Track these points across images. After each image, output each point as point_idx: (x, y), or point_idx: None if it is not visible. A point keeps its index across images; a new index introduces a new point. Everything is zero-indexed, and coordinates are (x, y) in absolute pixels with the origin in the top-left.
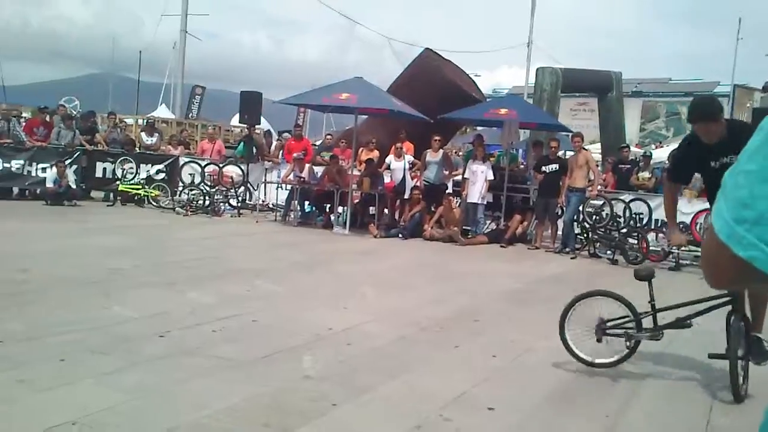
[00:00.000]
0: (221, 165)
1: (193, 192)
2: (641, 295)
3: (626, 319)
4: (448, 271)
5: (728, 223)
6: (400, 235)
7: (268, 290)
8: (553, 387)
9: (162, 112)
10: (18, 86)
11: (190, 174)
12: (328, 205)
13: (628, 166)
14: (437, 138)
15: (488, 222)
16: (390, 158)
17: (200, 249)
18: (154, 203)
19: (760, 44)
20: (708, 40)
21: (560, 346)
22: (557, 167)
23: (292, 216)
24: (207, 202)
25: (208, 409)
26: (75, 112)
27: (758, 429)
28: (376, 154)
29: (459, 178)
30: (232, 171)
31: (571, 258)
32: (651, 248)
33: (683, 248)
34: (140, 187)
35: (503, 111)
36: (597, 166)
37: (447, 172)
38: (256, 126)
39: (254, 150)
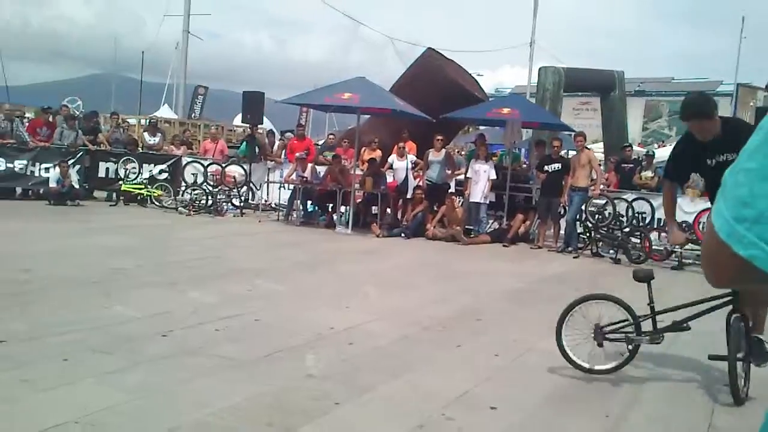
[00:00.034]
0: (224, 165)
1: (196, 192)
2: (643, 296)
3: (625, 322)
4: (451, 271)
5: (728, 221)
6: (402, 235)
7: (271, 290)
8: (554, 387)
9: (165, 112)
10: (21, 86)
11: (193, 174)
12: (331, 205)
13: (631, 165)
14: (440, 137)
15: (491, 221)
16: (392, 158)
17: (203, 249)
18: (157, 203)
19: (764, 43)
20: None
21: None
22: (560, 166)
23: (295, 216)
24: (210, 202)
25: (210, 408)
26: (78, 113)
27: (758, 431)
28: (378, 153)
29: (461, 177)
30: (235, 171)
31: (574, 257)
32: (654, 247)
33: (686, 247)
34: (143, 187)
35: (506, 110)
36: (599, 165)
37: (449, 172)
38: (259, 126)
39: (257, 150)
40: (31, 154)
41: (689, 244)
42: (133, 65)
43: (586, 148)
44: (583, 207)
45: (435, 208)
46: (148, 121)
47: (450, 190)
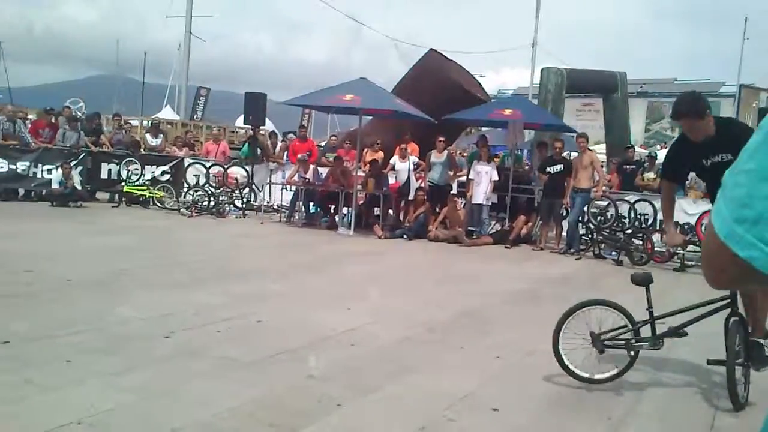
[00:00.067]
0: (226, 166)
1: (198, 193)
2: (644, 298)
3: (624, 329)
4: (453, 272)
5: (727, 222)
6: (404, 236)
7: (273, 291)
8: (557, 389)
9: (167, 113)
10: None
11: (195, 175)
12: (333, 206)
13: (633, 166)
14: (442, 139)
15: (493, 223)
16: (394, 159)
17: (205, 250)
18: (159, 204)
19: (767, 44)
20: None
21: None
22: (562, 168)
23: (297, 217)
24: (212, 204)
25: (213, 409)
26: (80, 114)
27: None
28: (380, 155)
29: (464, 178)
30: (237, 172)
31: (576, 259)
32: (656, 249)
33: (688, 249)
34: (145, 188)
35: (508, 111)
36: (602, 166)
37: (452, 173)
38: (261, 127)
39: (259, 151)
40: (33, 155)
41: (690, 245)
42: (136, 67)
43: (589, 149)
44: (585, 208)
45: (437, 210)
46: (150, 122)
47: (452, 192)
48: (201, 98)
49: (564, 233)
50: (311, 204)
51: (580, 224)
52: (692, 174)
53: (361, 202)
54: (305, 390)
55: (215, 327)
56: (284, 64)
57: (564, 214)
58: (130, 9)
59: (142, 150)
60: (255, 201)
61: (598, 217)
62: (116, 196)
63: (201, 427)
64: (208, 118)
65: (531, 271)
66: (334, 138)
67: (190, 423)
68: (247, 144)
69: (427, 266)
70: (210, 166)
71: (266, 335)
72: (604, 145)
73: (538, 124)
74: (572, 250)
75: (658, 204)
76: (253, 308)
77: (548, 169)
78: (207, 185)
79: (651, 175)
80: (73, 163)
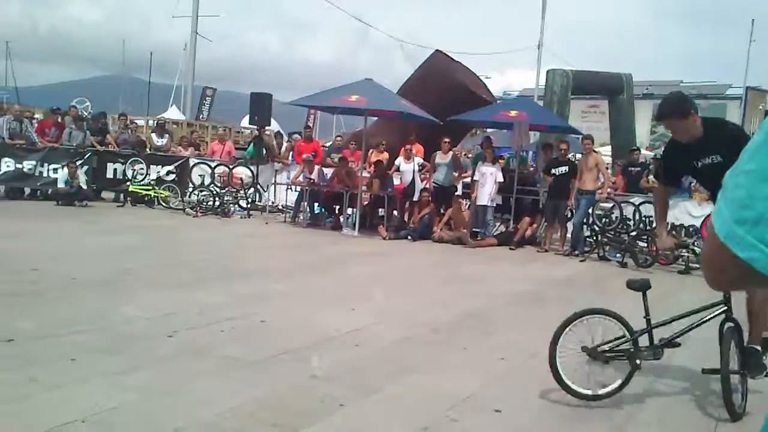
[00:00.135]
0: (231, 166)
1: (203, 193)
2: (650, 302)
3: (622, 339)
4: (457, 273)
5: (728, 223)
6: (409, 237)
7: (277, 291)
8: (560, 391)
9: (172, 113)
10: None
11: (200, 175)
12: (338, 207)
13: (638, 168)
14: (447, 140)
15: (497, 224)
16: (399, 160)
17: (209, 250)
18: (164, 204)
19: None
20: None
21: None
22: (567, 170)
23: (302, 217)
24: (217, 204)
25: (216, 408)
26: (86, 114)
27: None
28: (385, 155)
29: (468, 180)
30: (242, 172)
31: (581, 261)
32: (660, 251)
33: (692, 251)
34: (150, 188)
35: (513, 113)
36: (607, 168)
37: (456, 174)
38: (267, 127)
39: (264, 151)
40: (39, 154)
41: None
42: (142, 66)
43: (594, 151)
44: (590, 210)
45: (442, 211)
46: (156, 122)
47: (457, 193)
48: (207, 98)
49: (568, 235)
50: (316, 204)
51: (585, 226)
52: None
53: (366, 202)
54: (308, 390)
55: (219, 327)
56: (290, 65)
57: (569, 215)
58: (135, 9)
59: (147, 150)
60: (260, 201)
61: (603, 219)
62: (121, 195)
63: (204, 427)
64: (213, 118)
65: (535, 272)
66: (339, 139)
67: (192, 422)
68: (252, 144)
69: (432, 267)
70: (215, 166)
71: (270, 335)
72: (609, 147)
73: (544, 125)
74: (577, 252)
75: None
76: (256, 308)
77: (553, 171)
78: (212, 185)
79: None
80: (78, 163)
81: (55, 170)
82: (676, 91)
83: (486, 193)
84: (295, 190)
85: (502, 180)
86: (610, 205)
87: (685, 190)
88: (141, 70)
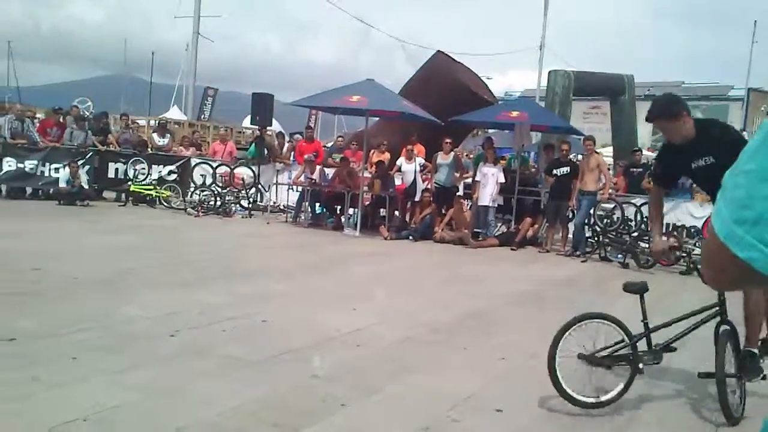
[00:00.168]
0: (232, 166)
1: (205, 193)
2: (652, 304)
3: (621, 344)
4: (458, 274)
5: (727, 223)
6: (410, 237)
7: (278, 291)
8: None
9: (174, 113)
10: (32, 87)
11: (202, 175)
12: (339, 207)
13: (640, 169)
14: (448, 141)
15: (499, 225)
16: (401, 160)
17: (211, 250)
18: (166, 204)
19: None
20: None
21: None
22: (568, 170)
23: (303, 217)
24: (218, 203)
25: (217, 408)
26: (88, 113)
27: None
28: (387, 156)
29: (470, 180)
30: (244, 172)
31: (582, 261)
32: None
33: (694, 252)
34: (152, 187)
35: (515, 114)
36: (608, 169)
37: (458, 175)
38: (268, 128)
39: (265, 151)
40: (41, 154)
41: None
42: (144, 66)
43: (595, 152)
44: (591, 211)
45: (443, 211)
46: (157, 122)
47: (458, 193)
48: (208, 98)
49: (570, 236)
50: (317, 204)
51: (587, 227)
52: None
53: (368, 203)
54: (309, 390)
55: (220, 326)
56: (292, 65)
57: (570, 216)
58: (137, 9)
59: (149, 149)
60: (261, 201)
61: (605, 220)
62: (123, 195)
63: (205, 426)
64: (215, 118)
65: (537, 273)
66: (340, 139)
67: (194, 421)
68: (254, 144)
69: (433, 267)
70: (217, 166)
71: (271, 335)
72: (611, 148)
73: (545, 126)
74: (578, 253)
75: (664, 207)
76: (258, 308)
77: (555, 172)
78: (214, 185)
79: None
80: (80, 162)
81: (57, 170)
82: (667, 92)
83: (487, 194)
84: (297, 191)
85: (503, 180)
86: (612, 205)
87: (687, 191)
88: (143, 70)
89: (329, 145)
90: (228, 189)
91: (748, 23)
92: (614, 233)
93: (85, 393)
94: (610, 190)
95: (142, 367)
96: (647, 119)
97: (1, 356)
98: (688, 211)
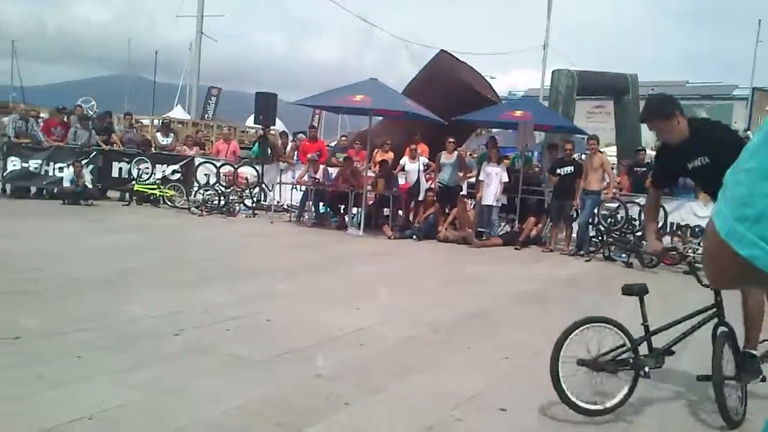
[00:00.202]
0: (236, 166)
1: (208, 192)
2: (655, 305)
3: (623, 348)
4: (462, 273)
5: (728, 221)
6: (414, 237)
7: (282, 290)
8: None
9: (178, 112)
10: (36, 87)
11: (205, 174)
12: (343, 206)
13: (644, 169)
14: (452, 140)
15: (502, 224)
16: (404, 160)
17: (215, 249)
18: (170, 203)
19: None
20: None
21: None
22: (572, 170)
23: (307, 217)
24: (222, 203)
25: (221, 407)
26: (91, 113)
27: None
28: (390, 155)
29: (473, 180)
30: (247, 172)
31: (586, 261)
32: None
33: (698, 252)
34: (156, 187)
35: (518, 113)
36: (612, 168)
37: (461, 174)
38: (272, 127)
39: (269, 151)
40: (45, 153)
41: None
42: (147, 66)
43: (599, 151)
44: (595, 210)
45: (447, 211)
46: (161, 121)
47: (462, 193)
48: (212, 98)
49: (574, 235)
50: (321, 204)
51: (590, 226)
52: None
53: (371, 202)
54: (313, 389)
55: (224, 325)
56: (295, 65)
57: (574, 215)
58: (141, 9)
59: (152, 149)
60: (265, 200)
61: (608, 219)
62: (127, 194)
63: (209, 425)
64: (218, 117)
65: (540, 272)
66: (344, 138)
67: (198, 420)
68: (257, 144)
69: (437, 267)
70: (220, 166)
71: (275, 334)
72: (614, 148)
73: (549, 125)
74: (582, 252)
75: (668, 207)
76: (261, 307)
77: (558, 171)
78: (217, 184)
79: None
80: (84, 162)
81: (61, 169)
82: (659, 93)
83: (491, 193)
84: (300, 190)
85: (507, 180)
86: (616, 205)
87: (691, 191)
88: (146, 70)
89: (333, 144)
90: (231, 188)
91: (753, 23)
92: (618, 233)
93: (90, 391)
94: (614, 190)
95: (146, 366)
96: (641, 119)
97: (6, 354)
98: (692, 211)
